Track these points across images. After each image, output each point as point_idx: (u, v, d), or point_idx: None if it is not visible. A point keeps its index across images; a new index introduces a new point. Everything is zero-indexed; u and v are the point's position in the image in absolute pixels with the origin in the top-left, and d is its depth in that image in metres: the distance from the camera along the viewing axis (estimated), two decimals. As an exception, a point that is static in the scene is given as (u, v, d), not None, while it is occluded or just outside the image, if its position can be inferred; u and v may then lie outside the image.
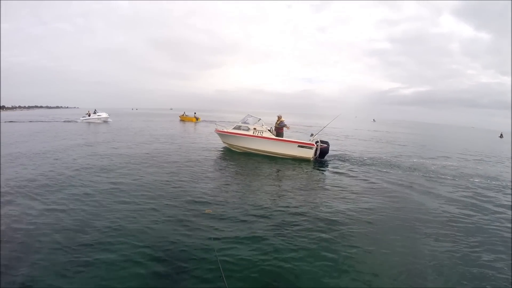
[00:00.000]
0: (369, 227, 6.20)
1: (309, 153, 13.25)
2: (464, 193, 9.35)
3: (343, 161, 13.83)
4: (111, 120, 38.95)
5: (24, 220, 5.88)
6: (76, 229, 5.47)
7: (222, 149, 15.72)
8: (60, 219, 5.91)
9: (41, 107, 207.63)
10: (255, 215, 6.47)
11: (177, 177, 9.57)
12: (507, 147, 30.77)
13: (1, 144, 15.05)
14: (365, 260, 4.78)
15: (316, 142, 13.60)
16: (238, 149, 14.96)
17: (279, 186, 9.43)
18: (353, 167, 12.60)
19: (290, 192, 8.63)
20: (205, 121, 44.33)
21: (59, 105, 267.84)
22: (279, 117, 14.50)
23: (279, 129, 14.18)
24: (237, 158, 13.72)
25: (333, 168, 12.32)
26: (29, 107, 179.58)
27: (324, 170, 12.06)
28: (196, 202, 7.18)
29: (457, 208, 7.79)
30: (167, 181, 9.04)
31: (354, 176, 10.90)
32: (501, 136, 56.03)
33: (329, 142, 14.05)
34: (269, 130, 14.42)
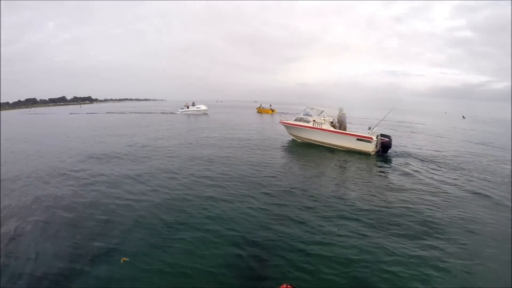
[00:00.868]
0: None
1: (368, 147, 12.92)
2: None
3: (414, 158, 12.54)
4: (208, 113, 40.55)
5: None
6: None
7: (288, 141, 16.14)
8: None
9: (131, 99, 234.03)
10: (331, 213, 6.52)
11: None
12: None
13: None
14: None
15: (378, 136, 13.21)
16: (300, 139, 15.51)
17: (339, 183, 9.15)
18: (418, 165, 11.43)
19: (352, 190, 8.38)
20: (280, 113, 44.71)
21: (147, 98, 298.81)
22: (341, 110, 14.44)
23: (342, 123, 14.10)
24: (299, 150, 14.16)
25: (398, 165, 11.39)
26: (120, 100, 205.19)
27: (386, 167, 11.29)
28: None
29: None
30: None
31: (414, 176, 9.88)
32: None
33: (391, 137, 13.49)
34: (332, 122, 14.42)
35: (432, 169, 10.82)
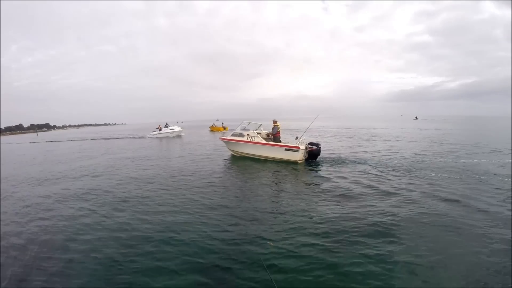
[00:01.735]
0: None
1: (296, 156, 13.48)
2: None
3: (339, 164, 13.21)
4: (184, 134, 38.31)
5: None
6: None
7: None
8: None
9: (90, 125, 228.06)
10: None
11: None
12: None
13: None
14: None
15: (306, 144, 13.87)
16: (237, 153, 16.07)
17: (270, 188, 9.65)
18: (339, 169, 12.01)
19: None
20: (232, 129, 45.81)
21: (107, 122, 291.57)
22: (274, 122, 15.11)
23: (274, 134, 14.84)
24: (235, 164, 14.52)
25: (323, 171, 11.92)
26: (78, 126, 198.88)
27: (311, 172, 11.85)
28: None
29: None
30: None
31: (329, 178, 10.40)
32: None
33: (320, 144, 14.04)
34: (268, 135, 15.19)
35: (361, 171, 11.39)
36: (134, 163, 15.44)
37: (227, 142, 16.26)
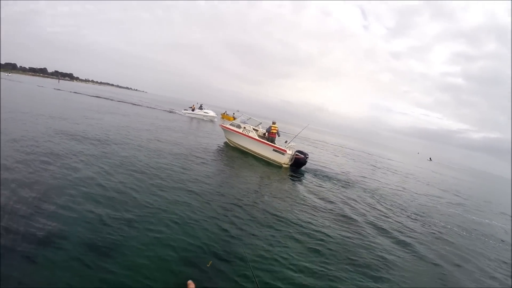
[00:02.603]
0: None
1: (281, 158, 13.78)
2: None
3: (321, 177, 13.20)
4: (216, 121, 36.05)
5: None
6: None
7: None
8: None
9: (112, 84, 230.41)
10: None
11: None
12: None
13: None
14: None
15: (294, 151, 14.06)
16: (232, 143, 16.59)
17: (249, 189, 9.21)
18: (325, 184, 12.02)
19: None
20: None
21: (129, 86, 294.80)
22: (273, 123, 15.32)
23: (270, 134, 14.95)
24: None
25: (305, 181, 11.89)
26: (100, 83, 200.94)
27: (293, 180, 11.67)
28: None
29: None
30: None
31: (310, 188, 10.56)
32: None
33: (308, 155, 14.24)
34: (265, 134, 15.40)
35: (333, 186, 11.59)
36: (153, 135, 15.26)
37: (225, 130, 16.76)
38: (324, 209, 8.35)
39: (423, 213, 10.89)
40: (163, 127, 19.57)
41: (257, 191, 8.97)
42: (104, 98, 41.82)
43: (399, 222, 8.79)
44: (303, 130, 16.64)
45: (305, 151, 14.66)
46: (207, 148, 14.53)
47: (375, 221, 8.26)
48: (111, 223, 5.01)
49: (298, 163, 13.85)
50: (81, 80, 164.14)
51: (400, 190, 14.92)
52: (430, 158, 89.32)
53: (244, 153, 15.12)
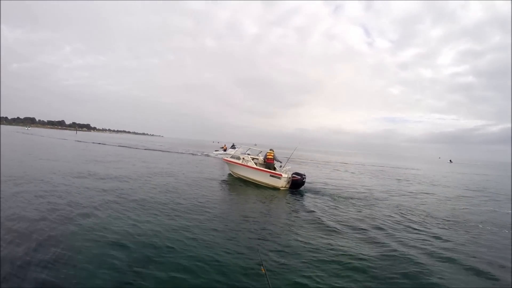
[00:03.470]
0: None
1: (278, 183, 14.25)
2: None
3: (320, 195, 13.12)
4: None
5: None
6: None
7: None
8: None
9: (128, 132, 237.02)
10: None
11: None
12: None
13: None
14: None
15: (289, 174, 14.51)
16: (234, 174, 17.26)
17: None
18: (315, 200, 11.96)
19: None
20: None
21: (145, 132, 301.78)
22: (271, 150, 16.17)
23: (268, 160, 15.72)
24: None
25: (300, 199, 12.00)
26: (117, 131, 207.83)
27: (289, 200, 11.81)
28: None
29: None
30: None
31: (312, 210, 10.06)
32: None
33: (305, 175, 14.49)
34: (265, 161, 15.97)
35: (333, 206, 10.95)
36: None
37: (227, 163, 17.72)
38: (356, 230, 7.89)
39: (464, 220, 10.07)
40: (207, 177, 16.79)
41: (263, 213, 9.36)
42: (129, 147, 42.21)
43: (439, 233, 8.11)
44: (294, 151, 17.58)
45: (301, 171, 14.86)
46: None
47: (401, 235, 7.67)
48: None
49: (296, 184, 14.23)
50: (98, 130, 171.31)
51: (431, 199, 14.43)
52: (450, 160, 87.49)
53: (248, 182, 15.48)
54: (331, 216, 9.24)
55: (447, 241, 7.41)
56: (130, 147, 41.13)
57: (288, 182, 14.30)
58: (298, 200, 11.85)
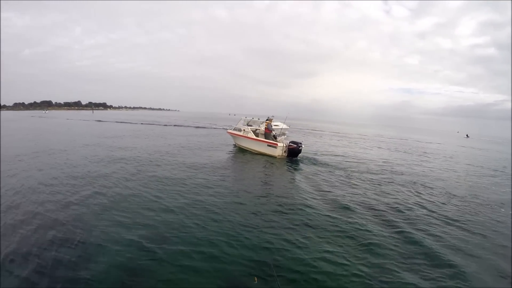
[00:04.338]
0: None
1: (274, 151, 15.11)
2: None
3: (318, 164, 13.91)
4: (287, 133, 34.59)
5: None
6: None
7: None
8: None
9: (144, 108, 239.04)
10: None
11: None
12: None
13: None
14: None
15: (285, 143, 15.17)
16: (237, 145, 18.61)
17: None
18: (319, 168, 12.92)
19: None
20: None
21: (161, 107, 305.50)
22: (269, 119, 16.62)
23: (266, 130, 16.32)
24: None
25: (295, 166, 13.08)
26: (133, 108, 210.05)
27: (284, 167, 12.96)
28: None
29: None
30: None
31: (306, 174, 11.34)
32: None
33: (302, 143, 15.03)
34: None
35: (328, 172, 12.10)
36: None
37: (231, 135, 18.91)
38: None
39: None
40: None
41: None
42: (153, 123, 41.75)
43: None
44: (286, 121, 18.73)
45: (298, 140, 15.45)
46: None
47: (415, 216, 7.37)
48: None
49: (293, 152, 14.91)
50: (114, 108, 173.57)
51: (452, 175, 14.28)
52: (467, 135, 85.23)
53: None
54: (347, 194, 8.90)
55: (466, 222, 7.06)
56: (153, 124, 40.95)
57: (285, 151, 15.06)
58: (317, 173, 11.78)
